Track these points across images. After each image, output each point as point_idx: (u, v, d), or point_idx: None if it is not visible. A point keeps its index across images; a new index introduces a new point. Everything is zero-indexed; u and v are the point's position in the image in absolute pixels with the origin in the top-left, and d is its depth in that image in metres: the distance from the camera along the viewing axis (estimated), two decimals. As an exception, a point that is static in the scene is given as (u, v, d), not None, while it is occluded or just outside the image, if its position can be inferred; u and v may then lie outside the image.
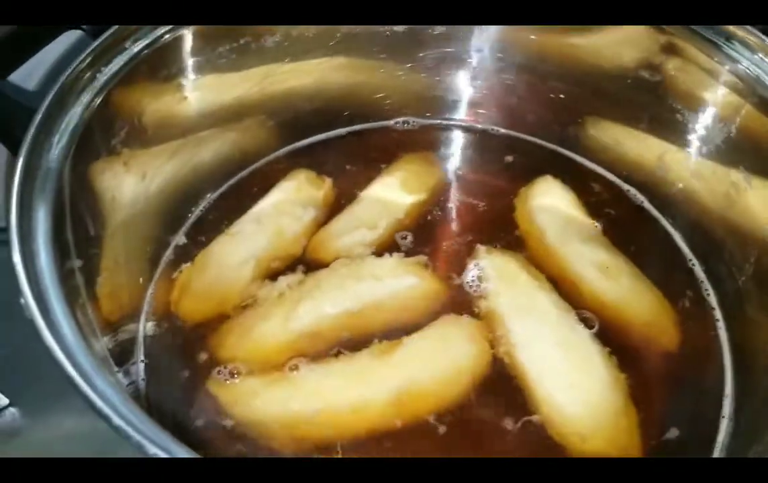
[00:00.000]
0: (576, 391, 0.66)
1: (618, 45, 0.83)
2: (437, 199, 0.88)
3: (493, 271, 0.76)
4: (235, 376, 0.69)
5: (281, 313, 0.72)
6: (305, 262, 0.79)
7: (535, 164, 0.91)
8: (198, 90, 0.79)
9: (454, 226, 0.85)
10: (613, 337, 0.71)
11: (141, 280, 0.76)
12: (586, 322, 0.72)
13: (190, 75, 0.78)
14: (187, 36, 0.74)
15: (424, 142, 0.96)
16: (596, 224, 0.83)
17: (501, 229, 0.82)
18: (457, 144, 0.97)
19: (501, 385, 0.68)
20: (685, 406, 0.69)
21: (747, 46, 0.72)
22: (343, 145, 0.94)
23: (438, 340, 0.70)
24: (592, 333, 0.71)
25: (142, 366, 0.71)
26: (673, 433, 0.66)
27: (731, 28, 0.73)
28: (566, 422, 0.64)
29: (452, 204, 0.88)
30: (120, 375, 0.64)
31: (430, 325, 0.72)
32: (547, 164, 0.90)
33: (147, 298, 0.76)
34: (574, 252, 0.78)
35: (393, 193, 0.86)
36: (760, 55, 0.71)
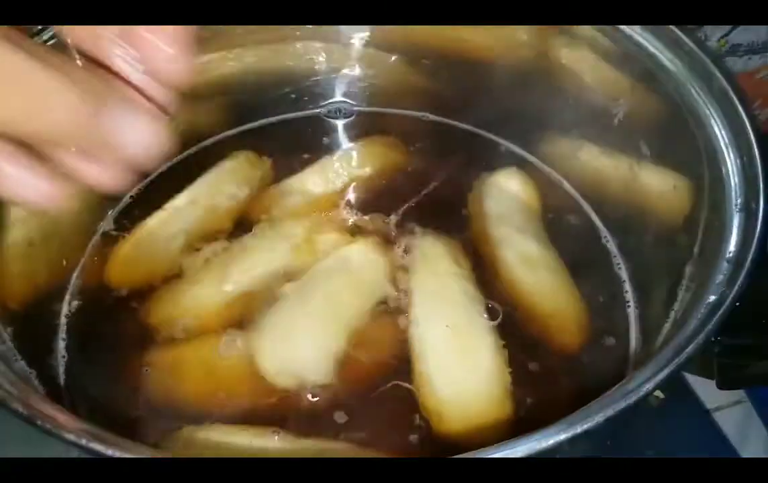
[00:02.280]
0: (449, 373, 0.67)
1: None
2: (382, 178, 0.90)
3: (417, 251, 0.78)
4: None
5: (212, 276, 0.75)
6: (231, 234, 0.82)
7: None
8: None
9: (397, 203, 0.86)
10: (516, 330, 0.72)
11: (64, 262, 0.79)
12: (491, 313, 0.73)
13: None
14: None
15: (369, 127, 0.97)
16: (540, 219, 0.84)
17: (447, 210, 0.85)
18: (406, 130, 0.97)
19: (389, 350, 0.70)
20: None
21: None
22: (282, 130, 0.96)
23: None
24: (494, 325, 0.71)
25: (62, 344, 0.73)
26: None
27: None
28: (430, 398, 0.65)
29: (400, 184, 0.89)
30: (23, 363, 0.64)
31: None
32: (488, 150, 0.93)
33: (72, 281, 0.79)
34: (506, 238, 0.79)
35: (334, 169, 0.89)
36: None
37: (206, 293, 0.74)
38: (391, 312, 0.74)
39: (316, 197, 0.86)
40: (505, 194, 0.84)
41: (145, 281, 0.77)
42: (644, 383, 0.48)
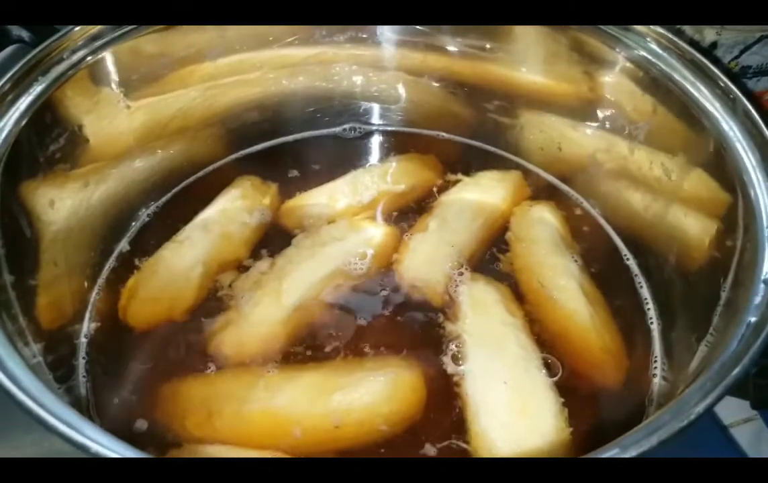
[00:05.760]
0: (510, 435, 0.64)
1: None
2: (413, 195, 0.90)
3: (467, 295, 0.76)
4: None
5: (269, 294, 0.75)
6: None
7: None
8: (140, 100, 0.81)
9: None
10: (573, 382, 0.70)
11: (85, 284, 0.77)
12: (550, 369, 0.70)
13: (132, 85, 0.79)
14: (126, 47, 0.76)
15: (395, 146, 0.98)
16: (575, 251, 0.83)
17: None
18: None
19: (443, 407, 0.68)
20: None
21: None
22: (291, 152, 0.96)
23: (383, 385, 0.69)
24: (553, 381, 0.68)
25: (82, 363, 0.72)
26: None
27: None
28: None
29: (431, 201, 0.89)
30: (54, 380, 0.64)
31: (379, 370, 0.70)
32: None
33: (91, 302, 0.77)
34: (565, 268, 0.79)
35: (364, 182, 0.90)
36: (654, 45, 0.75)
37: (268, 313, 0.74)
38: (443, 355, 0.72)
39: (345, 208, 0.86)
40: (549, 225, 0.84)
41: (165, 317, 0.75)
42: (697, 404, 0.48)
